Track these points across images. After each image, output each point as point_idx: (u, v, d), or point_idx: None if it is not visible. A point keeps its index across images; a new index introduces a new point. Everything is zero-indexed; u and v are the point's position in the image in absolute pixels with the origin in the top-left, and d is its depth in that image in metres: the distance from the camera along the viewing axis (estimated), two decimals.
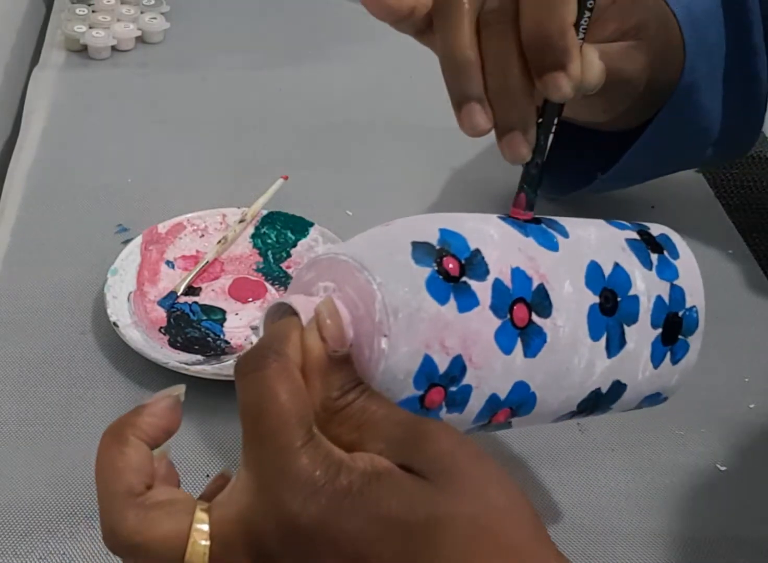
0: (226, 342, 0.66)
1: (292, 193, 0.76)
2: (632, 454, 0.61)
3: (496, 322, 0.40)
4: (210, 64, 0.95)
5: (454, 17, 0.45)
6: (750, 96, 0.72)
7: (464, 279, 0.39)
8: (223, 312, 0.68)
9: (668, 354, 0.46)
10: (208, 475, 0.58)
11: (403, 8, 0.46)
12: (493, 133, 0.47)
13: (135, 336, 0.64)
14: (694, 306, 0.47)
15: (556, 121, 0.45)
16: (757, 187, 0.84)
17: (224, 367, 0.62)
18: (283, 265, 0.72)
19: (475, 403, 0.40)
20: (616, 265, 0.44)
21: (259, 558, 0.36)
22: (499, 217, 0.43)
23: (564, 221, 0.45)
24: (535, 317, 0.41)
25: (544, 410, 0.43)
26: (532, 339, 0.41)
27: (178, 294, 0.69)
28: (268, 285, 0.71)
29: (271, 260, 0.72)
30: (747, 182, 0.84)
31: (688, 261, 0.47)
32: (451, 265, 0.39)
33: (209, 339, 0.66)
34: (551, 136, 0.45)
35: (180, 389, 0.40)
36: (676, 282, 0.46)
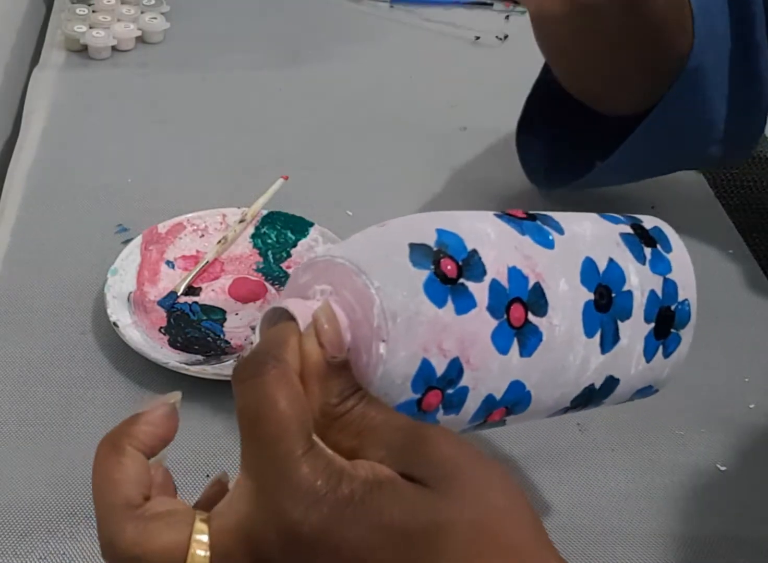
0: (226, 342, 0.66)
1: (292, 193, 0.76)
2: (632, 454, 0.61)
3: (493, 323, 0.40)
4: (210, 64, 0.95)
5: None
6: (752, 94, 0.72)
7: (462, 281, 0.39)
8: (223, 312, 0.68)
9: (660, 348, 0.46)
10: (208, 475, 0.58)
11: None
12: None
13: (135, 336, 0.64)
14: (687, 300, 0.47)
15: None
16: (757, 187, 0.84)
17: (224, 367, 0.62)
18: (283, 265, 0.72)
19: (472, 404, 0.40)
20: (611, 261, 0.44)
21: None
22: (495, 215, 0.43)
23: (558, 217, 0.45)
24: (531, 316, 0.41)
25: (539, 407, 0.43)
26: (528, 339, 0.41)
27: (178, 294, 0.69)
28: (268, 285, 0.71)
29: (271, 260, 0.72)
30: (747, 182, 0.84)
31: (680, 254, 0.47)
32: (449, 267, 0.39)
33: (209, 339, 0.66)
34: None
35: (176, 396, 0.39)
36: (669, 276, 0.46)
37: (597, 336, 0.43)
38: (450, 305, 0.39)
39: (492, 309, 0.40)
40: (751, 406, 0.65)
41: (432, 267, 0.39)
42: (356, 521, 0.34)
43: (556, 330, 0.42)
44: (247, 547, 0.35)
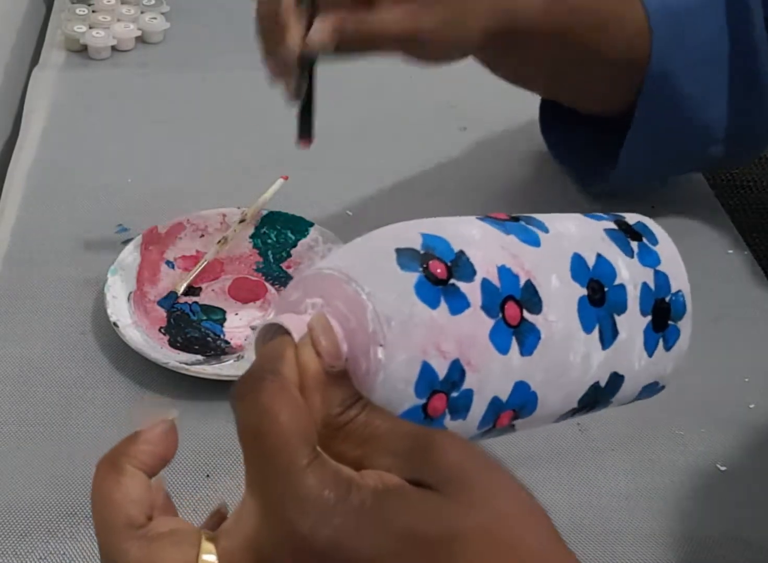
0: (226, 342, 0.66)
1: (292, 193, 0.76)
2: (632, 454, 0.61)
3: (490, 322, 0.40)
4: (210, 64, 0.95)
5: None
6: (754, 94, 0.73)
7: (452, 281, 0.39)
8: (223, 312, 0.68)
9: (661, 341, 0.46)
10: (208, 475, 0.58)
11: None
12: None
13: (135, 336, 0.64)
14: (680, 291, 0.47)
15: (310, 74, 0.60)
16: (757, 187, 0.84)
17: (224, 367, 0.62)
18: (283, 265, 0.72)
19: (478, 408, 0.40)
20: (599, 256, 0.44)
21: None
22: (478, 218, 0.43)
23: (541, 217, 0.45)
24: (526, 314, 0.41)
25: (546, 409, 0.43)
26: (526, 337, 0.41)
27: (178, 294, 0.69)
28: (268, 285, 0.71)
29: (271, 260, 0.72)
30: (747, 182, 0.84)
31: (667, 246, 0.47)
32: (438, 269, 0.39)
33: (209, 339, 0.66)
34: (305, 84, 0.60)
35: (173, 413, 0.38)
36: (658, 268, 0.46)
37: (595, 332, 0.43)
38: (444, 306, 0.38)
39: (486, 309, 0.40)
40: (751, 406, 0.65)
41: (421, 269, 0.39)
42: (369, 530, 0.33)
43: (553, 327, 0.42)
44: None
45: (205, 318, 0.68)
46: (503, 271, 0.40)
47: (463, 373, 0.39)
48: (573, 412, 0.45)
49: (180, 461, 0.58)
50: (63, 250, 0.73)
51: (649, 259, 0.46)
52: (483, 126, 0.88)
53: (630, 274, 0.45)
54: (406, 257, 0.39)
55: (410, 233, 0.40)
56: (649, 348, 0.46)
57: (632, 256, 0.45)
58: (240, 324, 0.67)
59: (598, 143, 0.78)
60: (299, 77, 0.58)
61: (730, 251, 0.78)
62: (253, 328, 0.66)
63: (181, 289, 0.69)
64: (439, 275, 0.39)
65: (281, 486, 0.34)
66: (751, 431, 0.63)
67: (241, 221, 0.73)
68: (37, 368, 0.64)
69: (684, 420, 0.63)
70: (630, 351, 0.45)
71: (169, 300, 0.68)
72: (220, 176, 0.81)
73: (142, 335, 0.64)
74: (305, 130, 0.61)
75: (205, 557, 0.35)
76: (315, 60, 0.58)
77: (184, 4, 1.02)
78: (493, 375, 0.40)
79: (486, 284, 0.40)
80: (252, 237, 0.73)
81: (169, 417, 0.38)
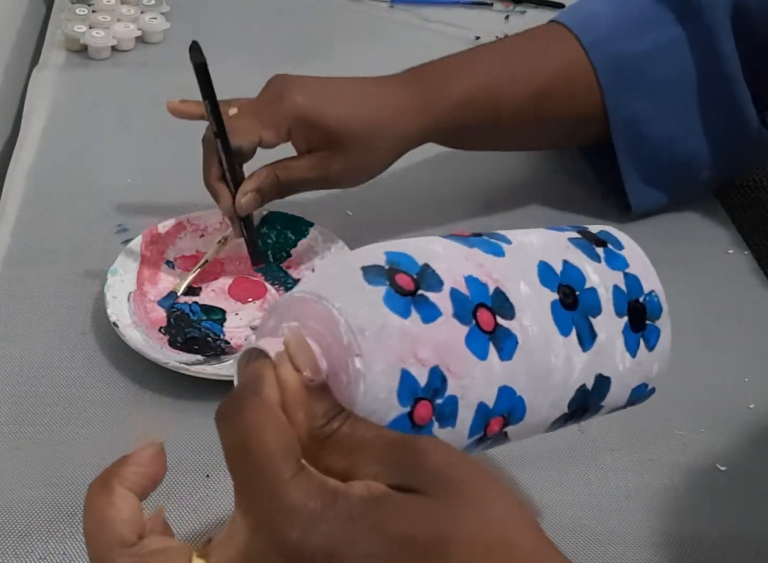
0: (226, 342, 0.66)
1: None
2: (632, 454, 0.61)
3: (464, 329, 0.40)
4: (210, 64, 0.95)
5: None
6: (734, 120, 0.75)
7: (421, 292, 0.40)
8: (223, 312, 0.68)
9: (642, 342, 0.47)
10: (208, 475, 0.58)
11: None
12: None
13: (135, 336, 0.64)
14: (653, 291, 0.47)
15: (247, 223, 0.69)
16: (757, 186, 0.84)
17: (224, 367, 0.62)
18: (283, 265, 0.72)
19: (465, 414, 0.40)
20: (566, 262, 0.45)
21: None
22: (440, 236, 0.45)
23: (503, 232, 0.46)
24: (500, 320, 0.41)
25: (536, 415, 0.43)
26: (503, 342, 0.41)
27: (178, 294, 0.69)
28: (268, 285, 0.71)
29: (271, 260, 0.72)
30: (747, 182, 0.84)
31: (633, 250, 0.48)
32: (404, 281, 0.40)
33: (209, 339, 0.66)
34: (245, 229, 0.69)
35: (161, 438, 0.39)
36: (627, 270, 0.47)
37: (573, 335, 0.44)
38: (415, 315, 0.39)
39: (459, 316, 0.40)
40: (751, 406, 0.65)
41: (387, 282, 0.39)
42: (358, 536, 0.34)
43: (529, 331, 0.42)
44: None
45: (205, 318, 0.68)
46: (471, 280, 0.41)
47: (444, 380, 0.39)
48: (565, 419, 0.45)
49: (180, 461, 0.58)
50: (63, 250, 0.73)
51: (617, 262, 0.47)
52: None
53: (599, 277, 0.46)
54: (371, 273, 0.40)
55: (374, 252, 0.41)
56: (631, 349, 0.46)
57: (599, 261, 0.46)
58: (240, 324, 0.67)
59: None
60: (239, 227, 0.68)
61: (730, 251, 0.78)
62: (253, 328, 0.66)
63: (181, 289, 0.69)
64: (406, 286, 0.40)
65: (268, 500, 0.34)
66: (751, 431, 0.63)
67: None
68: (37, 368, 0.64)
69: (684, 420, 0.63)
70: (611, 352, 0.45)
71: (169, 300, 0.68)
72: None
73: (142, 335, 0.64)
74: (255, 255, 0.70)
75: None
76: (247, 216, 0.68)
77: (184, 4, 1.02)
78: (475, 380, 0.40)
79: (455, 293, 0.40)
80: None
81: (157, 441, 0.39)
